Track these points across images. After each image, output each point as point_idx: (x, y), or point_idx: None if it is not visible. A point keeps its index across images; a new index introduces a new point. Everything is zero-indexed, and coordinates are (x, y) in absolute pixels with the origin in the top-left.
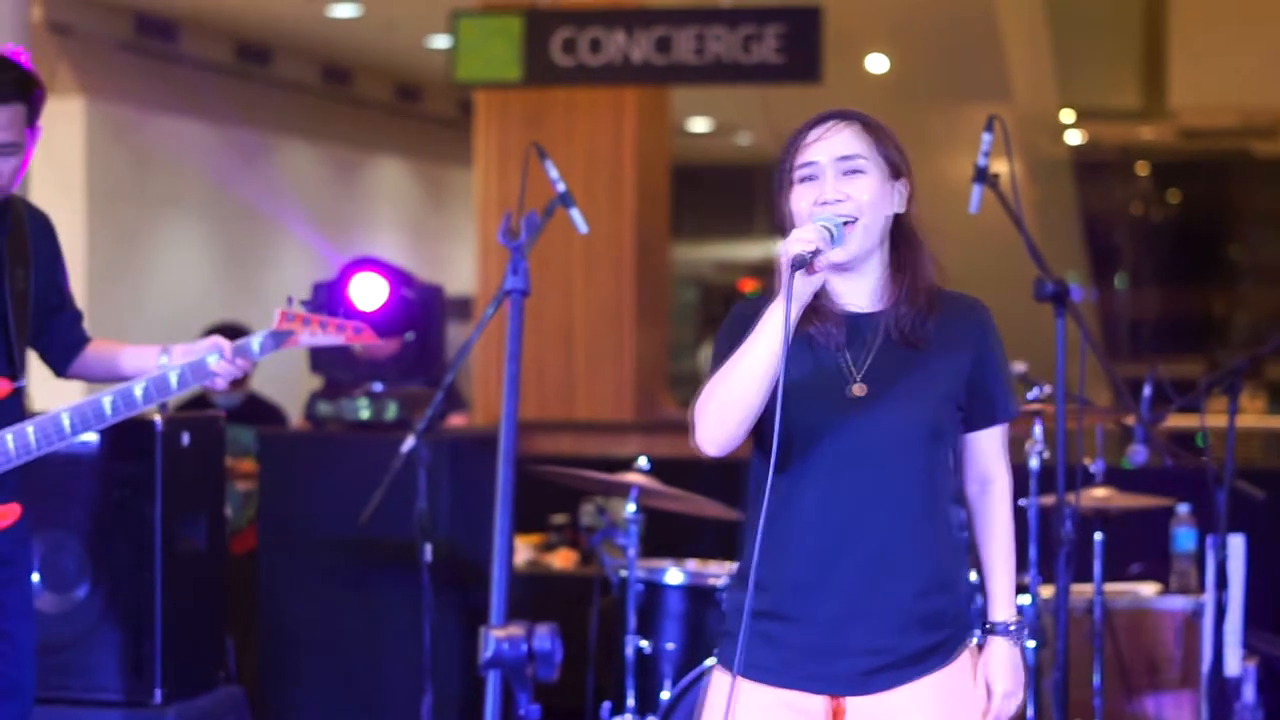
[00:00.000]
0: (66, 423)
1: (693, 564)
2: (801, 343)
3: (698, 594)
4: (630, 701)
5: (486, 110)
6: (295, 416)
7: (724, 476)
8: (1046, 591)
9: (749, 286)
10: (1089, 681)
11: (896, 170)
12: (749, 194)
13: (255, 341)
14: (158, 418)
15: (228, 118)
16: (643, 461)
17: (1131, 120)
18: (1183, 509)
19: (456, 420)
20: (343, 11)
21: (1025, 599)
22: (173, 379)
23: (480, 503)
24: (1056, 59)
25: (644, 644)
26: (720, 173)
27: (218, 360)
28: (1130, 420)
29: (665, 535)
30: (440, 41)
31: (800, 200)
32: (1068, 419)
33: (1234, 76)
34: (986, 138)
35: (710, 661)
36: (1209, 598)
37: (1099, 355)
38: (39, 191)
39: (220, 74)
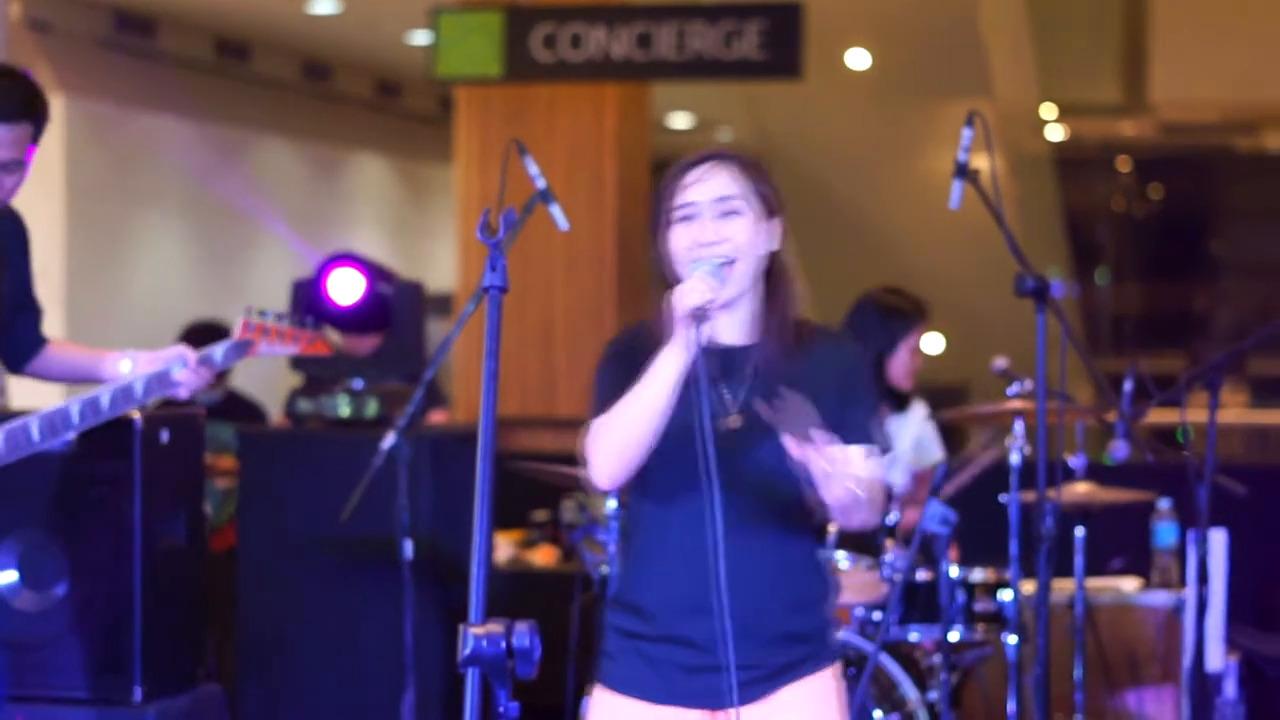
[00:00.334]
0: (35, 430)
1: None
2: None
3: None
4: None
5: (467, 106)
6: (275, 414)
7: None
8: (1028, 587)
9: None
10: (1070, 677)
11: (771, 209)
12: None
13: (219, 352)
14: (137, 415)
15: (207, 114)
16: None
17: (1113, 115)
18: (1164, 504)
19: (437, 417)
20: (322, 7)
21: (1007, 594)
22: (138, 388)
23: (461, 500)
24: (1037, 54)
25: None
26: None
27: (181, 369)
28: (1111, 416)
29: None
30: (421, 38)
31: (678, 240)
32: (1049, 415)
33: (1215, 71)
34: (967, 133)
35: None
36: (1190, 593)
37: (1080, 351)
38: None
39: (199, 71)
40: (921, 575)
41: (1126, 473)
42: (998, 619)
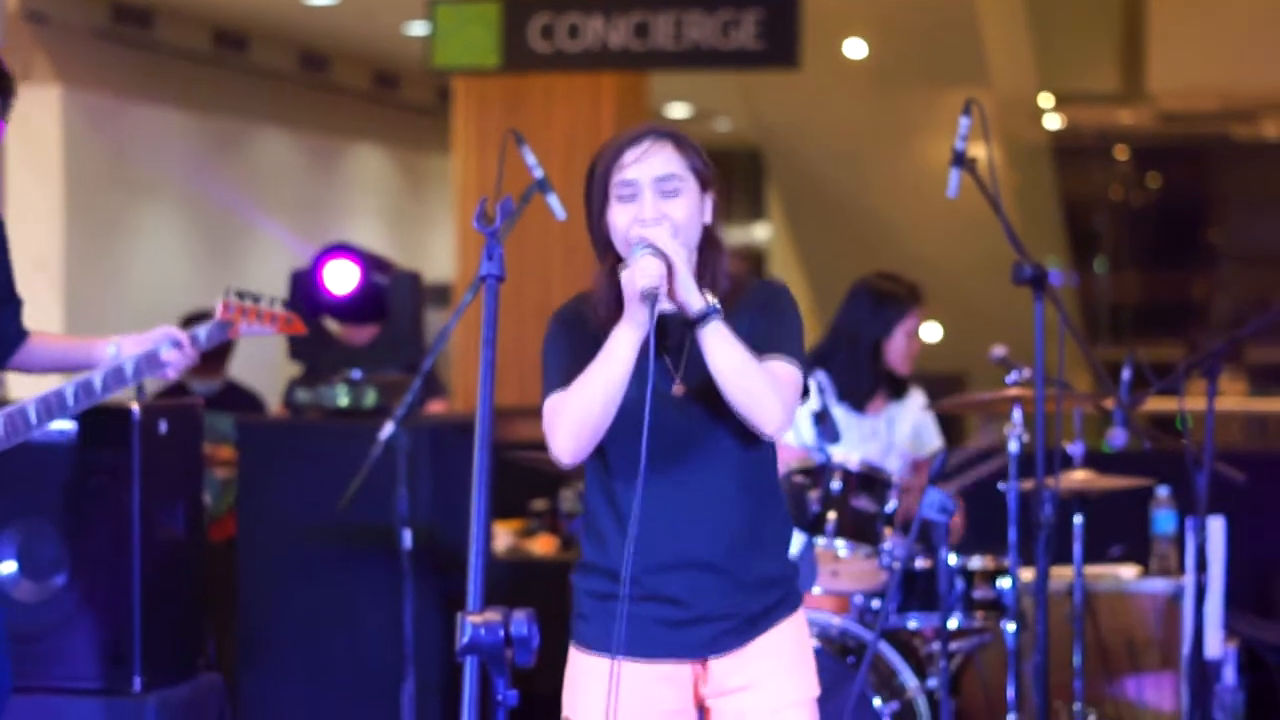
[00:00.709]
0: (32, 414)
1: None
2: None
3: None
4: None
5: (464, 97)
6: (274, 404)
7: None
8: (1027, 574)
9: None
10: (1069, 664)
11: (705, 184)
12: (727, 179)
13: (203, 332)
14: (135, 405)
15: (205, 105)
16: None
17: (1110, 104)
18: (1162, 491)
19: (436, 407)
20: None
21: (1006, 582)
22: (128, 368)
23: (460, 489)
24: (1035, 43)
25: None
26: None
27: (169, 349)
28: (1110, 404)
29: None
30: (418, 28)
31: (619, 217)
32: (1047, 403)
33: (1213, 60)
34: (964, 122)
35: None
36: (1189, 580)
37: (1078, 339)
38: (16, 180)
39: (197, 61)
40: (920, 563)
41: (1125, 460)
42: (997, 606)
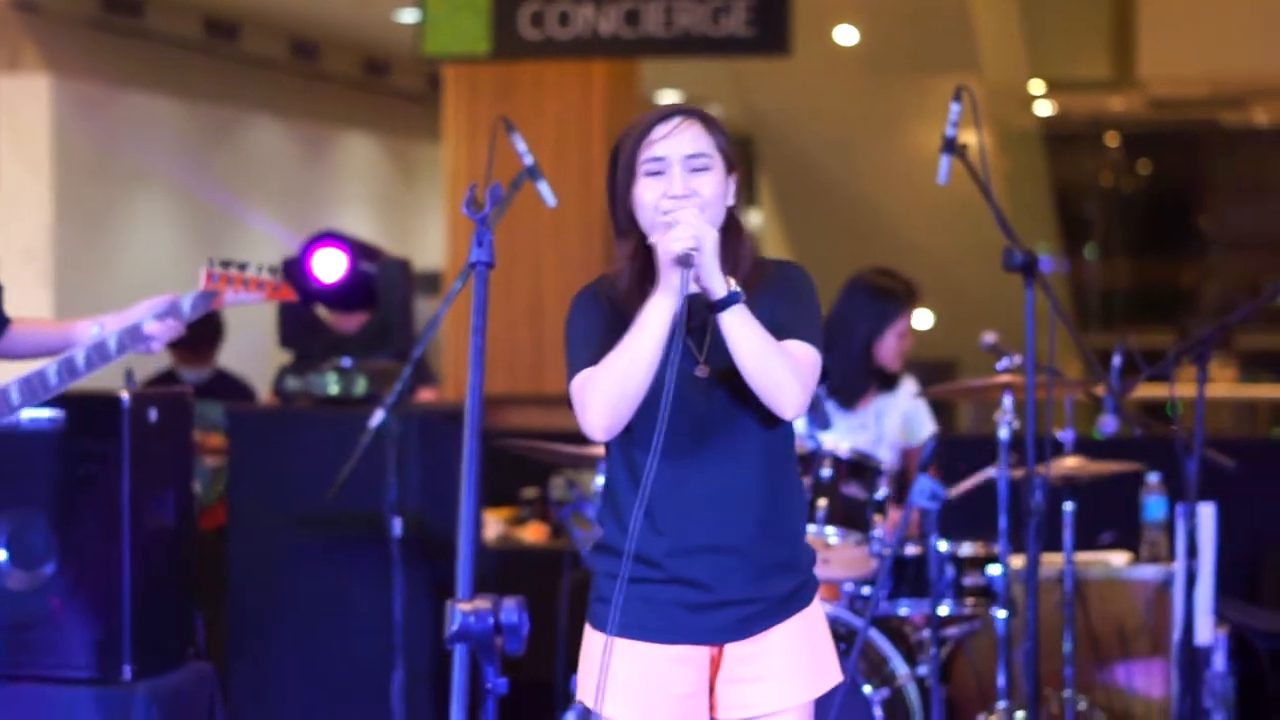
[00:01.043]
0: (15, 395)
1: None
2: None
3: None
4: None
5: (455, 84)
6: (264, 392)
7: None
8: (1017, 561)
9: None
10: (1060, 651)
11: (730, 165)
12: None
13: (186, 302)
14: (125, 394)
15: (196, 94)
16: None
17: (1101, 91)
18: (1153, 478)
19: (426, 395)
20: None
21: (996, 569)
22: (111, 344)
23: (450, 477)
24: (1025, 29)
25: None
26: None
27: (151, 322)
28: (1100, 390)
29: None
30: (408, 15)
31: (647, 193)
32: (1038, 389)
33: (1203, 46)
34: (955, 108)
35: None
36: (1179, 566)
37: (1068, 326)
38: (5, 169)
39: (188, 49)
40: (910, 550)
41: (1115, 447)
42: (987, 593)
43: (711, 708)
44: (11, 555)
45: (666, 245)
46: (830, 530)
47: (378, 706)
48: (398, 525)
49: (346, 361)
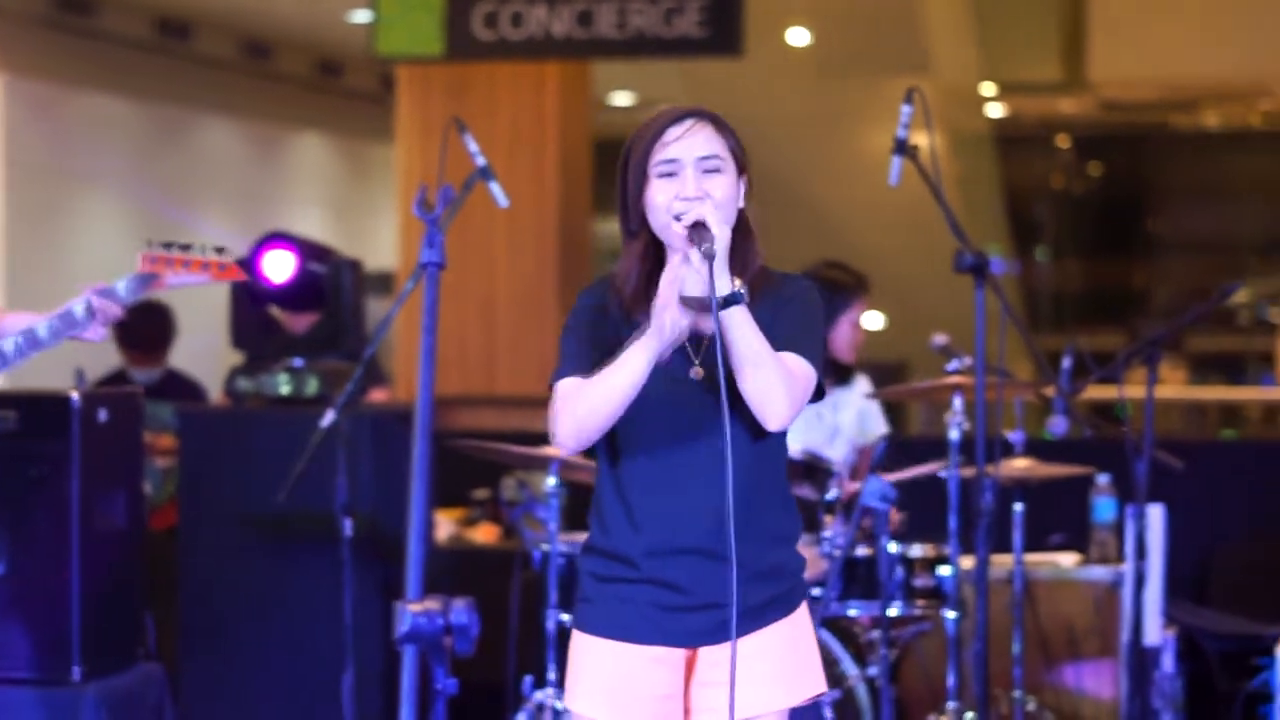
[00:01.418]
0: None
1: None
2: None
3: None
4: (552, 675)
5: (408, 85)
6: (216, 393)
7: None
8: (967, 562)
9: None
10: (1009, 651)
11: (741, 166)
12: None
13: (121, 285)
14: (75, 394)
15: (148, 94)
16: None
17: (1052, 93)
18: (1102, 479)
19: (379, 395)
20: None
21: (946, 570)
22: (41, 329)
23: (401, 478)
24: (977, 32)
25: (565, 618)
26: None
27: (83, 306)
28: (1050, 391)
29: (586, 509)
30: (361, 16)
31: (659, 194)
32: (988, 391)
33: (1154, 50)
34: (906, 110)
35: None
36: (1128, 567)
37: (1019, 327)
38: None
39: (139, 50)
40: (861, 551)
41: (1065, 448)
42: (937, 594)
43: (687, 711)
44: None
45: (687, 217)
46: None
47: (328, 707)
48: (348, 526)
49: (298, 362)
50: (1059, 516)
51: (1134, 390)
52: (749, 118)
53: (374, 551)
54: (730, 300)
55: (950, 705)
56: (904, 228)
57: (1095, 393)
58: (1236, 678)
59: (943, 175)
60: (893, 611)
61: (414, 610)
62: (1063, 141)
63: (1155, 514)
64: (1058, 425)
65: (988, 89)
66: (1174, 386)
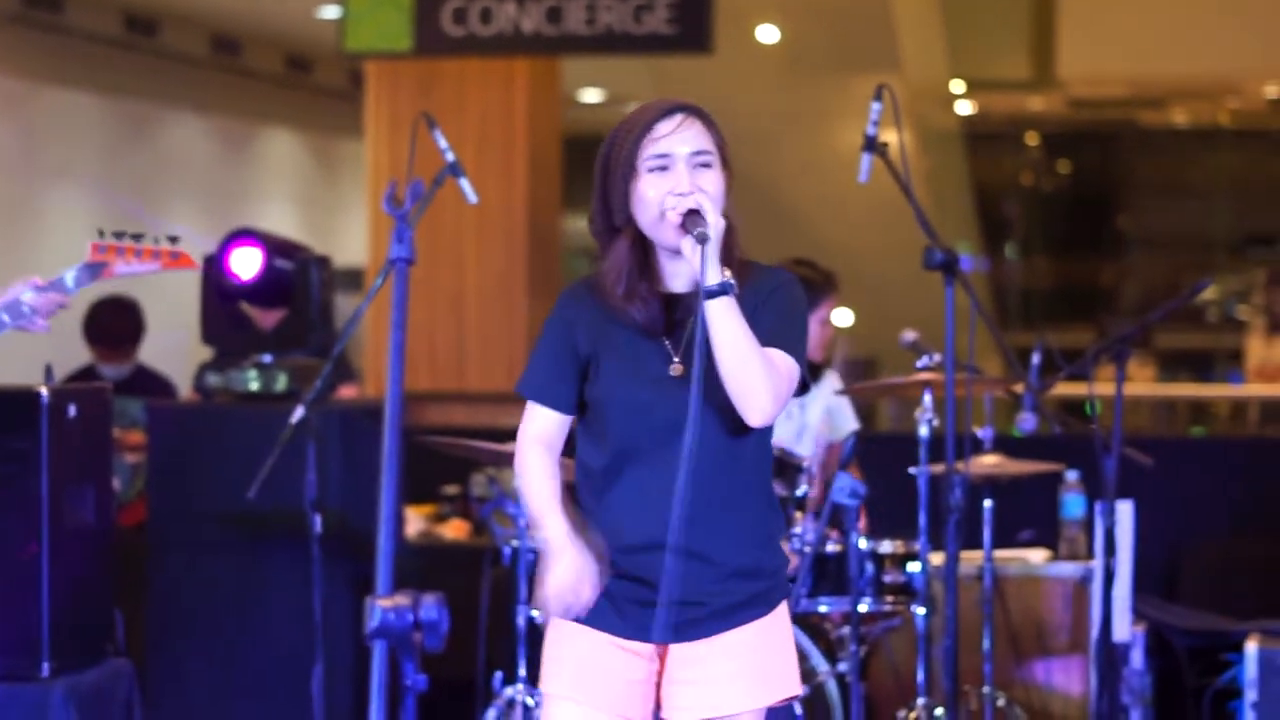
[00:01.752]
0: None
1: None
2: (626, 326)
3: None
4: (522, 671)
5: (377, 81)
6: (185, 389)
7: None
8: (936, 559)
9: None
10: (979, 648)
11: (726, 162)
12: None
13: (69, 275)
14: (44, 389)
15: (116, 90)
16: None
17: (1021, 91)
18: (1071, 476)
19: (348, 391)
20: None
21: (916, 566)
22: None
23: (371, 474)
24: (946, 29)
25: (535, 614)
26: None
27: (30, 294)
28: (1019, 388)
29: None
30: (330, 12)
31: (650, 189)
32: (957, 387)
33: (1122, 47)
34: (876, 107)
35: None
36: (1098, 564)
37: (988, 324)
38: None
39: (108, 45)
40: (831, 547)
41: (1034, 445)
42: (907, 591)
43: (658, 704)
44: None
45: (677, 205)
46: None
47: (298, 703)
48: (318, 522)
49: (267, 358)
50: (1028, 513)
51: (1103, 387)
52: (718, 114)
53: (344, 547)
54: (719, 290)
55: (920, 701)
56: (873, 225)
57: (1064, 389)
58: (1205, 674)
59: (912, 172)
60: (863, 607)
61: (384, 606)
62: (1032, 139)
63: (1124, 510)
64: (1027, 422)
65: (957, 86)
66: (1143, 384)
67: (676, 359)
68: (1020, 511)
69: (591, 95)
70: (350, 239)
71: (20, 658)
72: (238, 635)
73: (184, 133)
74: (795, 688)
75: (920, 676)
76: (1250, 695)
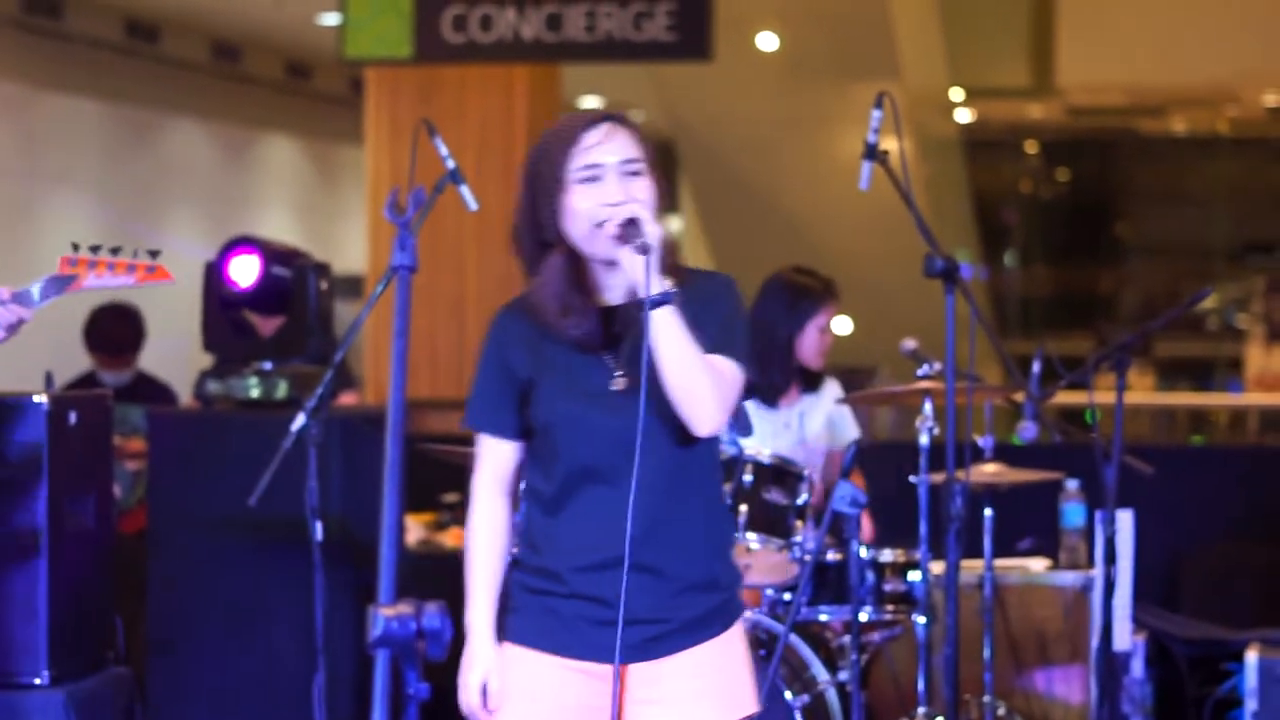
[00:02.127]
0: None
1: None
2: (563, 344)
3: None
4: None
5: (377, 87)
6: (185, 397)
7: None
8: (937, 567)
9: None
10: (979, 657)
11: (654, 170)
12: None
13: (35, 288)
14: (44, 397)
15: (117, 95)
16: None
17: (1020, 98)
18: (1072, 485)
19: (348, 399)
20: None
21: (916, 575)
22: None
23: (372, 481)
24: (946, 37)
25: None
26: None
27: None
28: (1020, 397)
29: None
30: (330, 18)
31: (582, 200)
32: (958, 396)
33: (1121, 55)
34: (876, 114)
35: None
36: (1098, 573)
37: (988, 332)
38: None
39: (109, 51)
40: (831, 556)
41: (1035, 453)
42: (907, 599)
43: None
44: None
45: (616, 212)
46: (751, 536)
47: (299, 712)
48: (319, 529)
49: (267, 365)
50: (1028, 522)
51: (1103, 395)
52: (718, 121)
53: (345, 555)
54: (660, 300)
55: (920, 710)
56: (873, 232)
57: (1064, 398)
58: (1206, 683)
59: (912, 180)
60: (863, 616)
61: (387, 614)
62: (1031, 147)
63: (1124, 519)
64: (1027, 430)
65: (956, 94)
66: (1143, 392)
67: (619, 373)
68: (1020, 520)
69: (591, 102)
70: (350, 245)
71: (20, 665)
72: (238, 643)
73: (184, 139)
74: (754, 706)
75: (921, 685)
76: (1250, 705)
